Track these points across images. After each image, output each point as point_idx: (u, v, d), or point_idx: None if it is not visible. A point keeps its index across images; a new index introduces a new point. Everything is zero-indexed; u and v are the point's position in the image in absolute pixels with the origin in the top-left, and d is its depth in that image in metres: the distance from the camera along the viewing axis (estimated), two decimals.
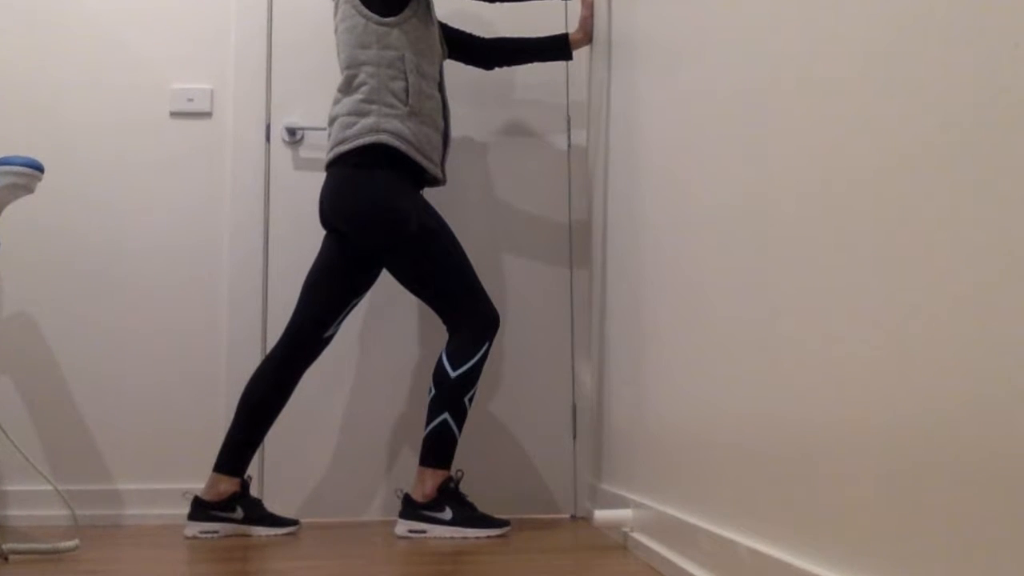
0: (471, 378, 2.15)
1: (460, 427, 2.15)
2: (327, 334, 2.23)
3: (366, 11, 2.18)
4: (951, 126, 0.68)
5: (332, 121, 2.21)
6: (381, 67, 2.16)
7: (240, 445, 2.19)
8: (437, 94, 2.26)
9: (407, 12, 2.19)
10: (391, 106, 2.15)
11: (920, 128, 0.72)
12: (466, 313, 2.19)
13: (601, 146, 2.37)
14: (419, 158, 2.16)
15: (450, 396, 2.13)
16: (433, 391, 2.15)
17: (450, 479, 2.15)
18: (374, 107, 2.14)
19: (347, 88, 2.19)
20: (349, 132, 2.14)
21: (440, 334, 2.55)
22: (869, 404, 0.81)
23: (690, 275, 1.44)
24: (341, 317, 2.25)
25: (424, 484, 2.14)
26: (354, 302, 2.27)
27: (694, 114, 1.42)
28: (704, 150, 1.36)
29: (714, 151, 1.31)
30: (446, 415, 2.13)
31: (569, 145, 2.71)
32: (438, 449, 2.14)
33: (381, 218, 2.13)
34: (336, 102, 2.22)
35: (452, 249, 2.22)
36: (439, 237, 2.21)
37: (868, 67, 0.82)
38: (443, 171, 2.29)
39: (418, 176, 2.22)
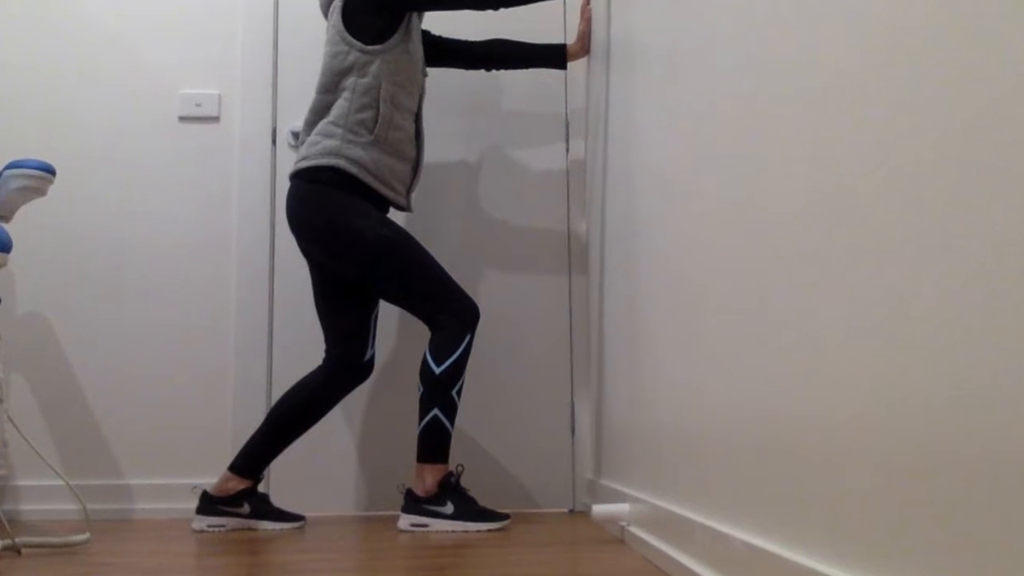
0: (456, 372, 2.15)
1: (452, 421, 2.15)
2: (367, 356, 2.24)
3: (351, 39, 2.18)
4: (950, 124, 0.68)
5: (302, 134, 2.25)
6: (356, 93, 2.17)
7: (263, 453, 2.20)
8: (409, 125, 2.25)
9: (391, 42, 2.19)
10: (356, 133, 2.16)
11: (919, 126, 0.72)
12: (443, 309, 2.17)
13: (599, 155, 2.37)
14: (376, 185, 2.17)
15: (438, 392, 2.14)
16: (421, 389, 2.16)
17: (451, 474, 2.15)
18: (339, 131, 2.16)
19: (320, 110, 2.22)
20: (312, 150, 2.17)
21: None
22: (862, 398, 0.81)
23: (686, 273, 1.43)
24: (371, 334, 2.26)
25: (424, 480, 2.14)
26: (374, 315, 2.28)
27: (692, 121, 1.42)
28: (703, 155, 1.36)
29: (712, 156, 1.30)
30: (436, 411, 2.14)
31: (567, 154, 2.70)
32: (433, 444, 2.15)
33: (334, 236, 2.15)
34: (307, 123, 2.24)
35: (414, 253, 2.18)
36: (398, 246, 2.17)
37: (864, 74, 0.82)
38: (409, 199, 2.30)
39: (377, 200, 2.22)
